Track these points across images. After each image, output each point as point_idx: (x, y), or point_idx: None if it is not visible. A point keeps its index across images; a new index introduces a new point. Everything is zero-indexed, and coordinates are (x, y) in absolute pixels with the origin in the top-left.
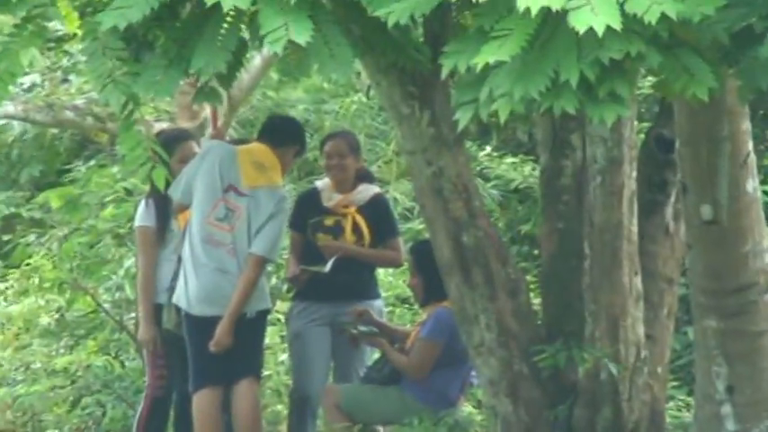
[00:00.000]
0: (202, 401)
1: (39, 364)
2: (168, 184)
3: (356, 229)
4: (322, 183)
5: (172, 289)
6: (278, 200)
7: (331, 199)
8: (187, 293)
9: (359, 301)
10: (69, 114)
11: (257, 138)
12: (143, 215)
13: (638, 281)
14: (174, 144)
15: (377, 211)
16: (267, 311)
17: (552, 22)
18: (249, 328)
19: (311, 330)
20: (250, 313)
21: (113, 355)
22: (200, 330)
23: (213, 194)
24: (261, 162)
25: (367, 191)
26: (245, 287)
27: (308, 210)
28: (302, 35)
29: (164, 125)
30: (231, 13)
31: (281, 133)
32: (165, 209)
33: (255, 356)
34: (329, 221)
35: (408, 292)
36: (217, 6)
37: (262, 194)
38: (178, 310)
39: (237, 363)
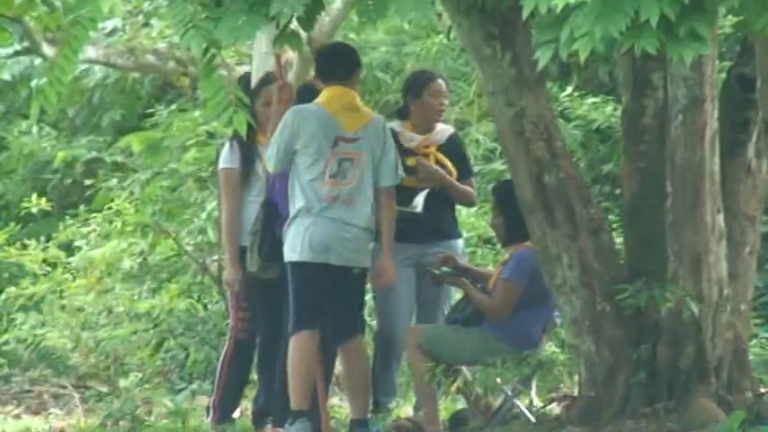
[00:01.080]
0: (301, 344)
1: (121, 308)
2: (251, 127)
3: (441, 167)
4: (399, 124)
5: (256, 232)
6: (383, 127)
7: (412, 140)
8: (303, 243)
9: (444, 241)
10: (150, 58)
11: (321, 79)
12: (227, 157)
13: (720, 219)
14: (257, 88)
15: (456, 149)
16: (368, 269)
17: None
18: (356, 283)
19: (398, 272)
20: (356, 269)
21: (196, 298)
22: (309, 277)
23: (322, 155)
24: (350, 104)
25: (444, 131)
26: (391, 219)
27: None
28: None
29: (246, 68)
30: None
31: (344, 64)
32: (249, 151)
33: (361, 313)
34: (411, 162)
35: (490, 233)
36: None
37: (369, 131)
38: (260, 253)
39: (347, 319)
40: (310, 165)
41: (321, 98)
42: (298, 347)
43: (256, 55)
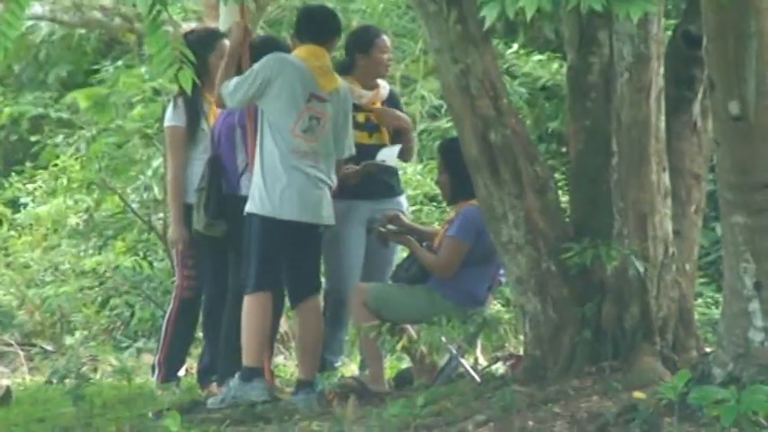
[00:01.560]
0: (258, 303)
1: (67, 265)
2: (195, 84)
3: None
4: (345, 81)
5: (202, 189)
6: (347, 95)
7: (362, 96)
8: (274, 198)
9: (392, 197)
10: (97, 15)
11: (299, 38)
12: (172, 115)
13: (665, 177)
14: (212, 41)
15: (396, 104)
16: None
17: None
18: (317, 242)
19: (350, 231)
20: (321, 227)
21: (142, 255)
22: (278, 234)
23: (295, 106)
24: (326, 65)
25: (385, 86)
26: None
27: None
28: None
29: (191, 25)
30: None
31: (327, 27)
32: (194, 108)
33: (318, 273)
34: (361, 118)
35: (436, 191)
36: None
37: (340, 96)
38: (207, 210)
39: (307, 278)
40: (283, 114)
41: (300, 53)
42: (255, 308)
43: (224, 9)
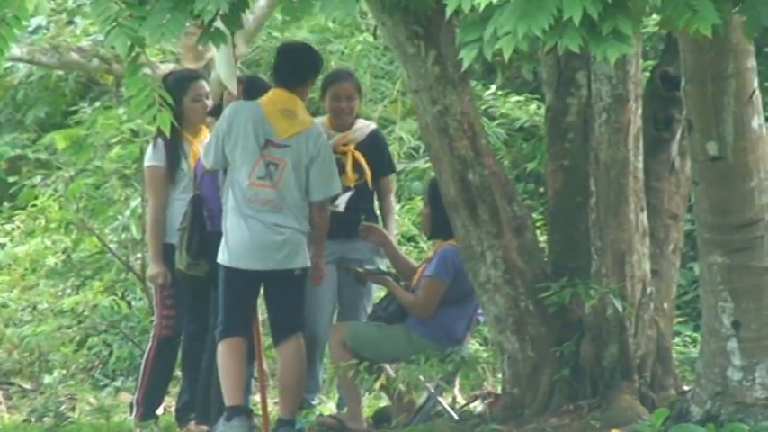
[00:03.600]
0: (230, 349)
1: (45, 305)
2: (173, 126)
3: (357, 166)
4: (318, 121)
5: (184, 229)
6: (315, 138)
7: (330, 137)
8: (230, 249)
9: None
10: (75, 56)
11: (273, 81)
12: (152, 155)
13: (643, 217)
14: (186, 83)
15: (376, 146)
16: (308, 269)
17: None
18: (296, 284)
19: None
20: (297, 270)
21: (120, 295)
22: (237, 282)
23: (252, 154)
24: (289, 109)
25: (365, 128)
26: (321, 236)
27: None
28: None
29: (170, 67)
30: None
31: (297, 72)
32: (174, 148)
33: (301, 312)
34: None
35: (413, 231)
36: None
37: (301, 140)
38: (189, 250)
39: (284, 319)
40: (239, 163)
41: (264, 98)
42: (227, 352)
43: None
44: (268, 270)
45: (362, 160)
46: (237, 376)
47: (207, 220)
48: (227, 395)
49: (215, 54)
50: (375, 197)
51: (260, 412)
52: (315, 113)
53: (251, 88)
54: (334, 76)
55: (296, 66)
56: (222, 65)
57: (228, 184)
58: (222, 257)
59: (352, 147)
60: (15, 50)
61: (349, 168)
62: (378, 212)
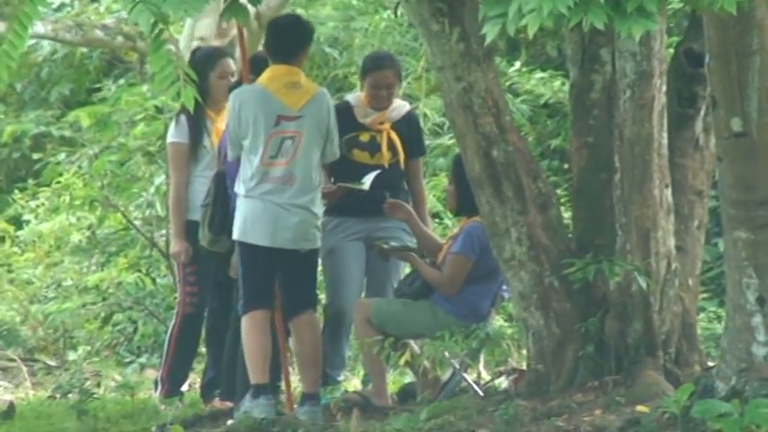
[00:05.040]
0: (253, 323)
1: (70, 282)
2: (197, 101)
3: (391, 145)
4: (354, 98)
5: (207, 205)
6: (327, 103)
7: (367, 115)
8: (247, 224)
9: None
10: (99, 33)
11: (269, 57)
12: (175, 132)
13: (668, 193)
14: (212, 60)
15: (410, 127)
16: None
17: None
18: (306, 261)
19: (346, 245)
20: (303, 249)
21: (144, 272)
22: (255, 256)
23: (262, 134)
24: (292, 81)
25: (401, 108)
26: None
27: (342, 125)
28: None
29: (194, 44)
30: None
31: (291, 45)
32: (197, 125)
33: (313, 289)
34: (365, 137)
35: (439, 207)
36: None
37: (313, 108)
38: (211, 226)
39: (296, 295)
40: (250, 146)
41: (263, 77)
42: (250, 326)
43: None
44: (278, 248)
45: (397, 140)
46: (262, 352)
47: (230, 197)
48: (252, 372)
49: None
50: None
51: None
52: (340, 89)
53: (261, 67)
54: (374, 62)
55: (288, 39)
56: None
57: (242, 164)
58: (236, 233)
59: (387, 126)
60: (39, 28)
61: (384, 147)
62: (407, 195)
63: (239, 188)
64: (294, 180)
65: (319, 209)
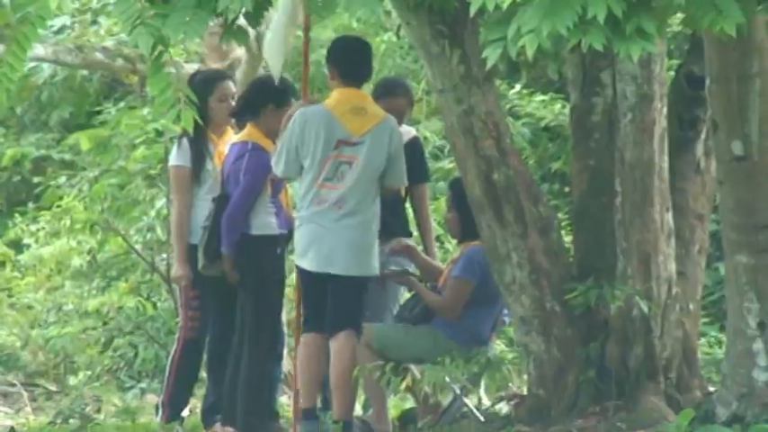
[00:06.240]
0: (303, 346)
1: (70, 306)
2: (198, 125)
3: None
4: None
5: (206, 228)
6: (391, 132)
7: None
8: (302, 249)
9: (392, 239)
10: (99, 56)
11: (343, 79)
12: (177, 155)
13: (669, 217)
14: (212, 83)
15: (414, 153)
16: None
17: None
18: (351, 284)
19: None
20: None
21: (145, 296)
22: (308, 280)
23: (322, 158)
24: (359, 106)
25: (406, 134)
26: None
27: None
28: None
29: (194, 66)
30: None
31: (363, 68)
32: (199, 148)
33: (356, 311)
34: None
35: (440, 231)
36: None
37: (376, 135)
38: (206, 250)
39: (337, 315)
40: (308, 168)
41: (331, 99)
42: (301, 350)
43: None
44: (329, 273)
45: None
46: (308, 377)
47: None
48: (301, 396)
49: (267, 38)
50: (405, 202)
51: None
52: None
53: (261, 95)
54: (387, 88)
55: (361, 61)
56: (272, 51)
57: (300, 188)
58: (296, 258)
59: None
60: (40, 50)
61: None
62: (404, 214)
63: (298, 209)
64: (346, 204)
65: (372, 235)
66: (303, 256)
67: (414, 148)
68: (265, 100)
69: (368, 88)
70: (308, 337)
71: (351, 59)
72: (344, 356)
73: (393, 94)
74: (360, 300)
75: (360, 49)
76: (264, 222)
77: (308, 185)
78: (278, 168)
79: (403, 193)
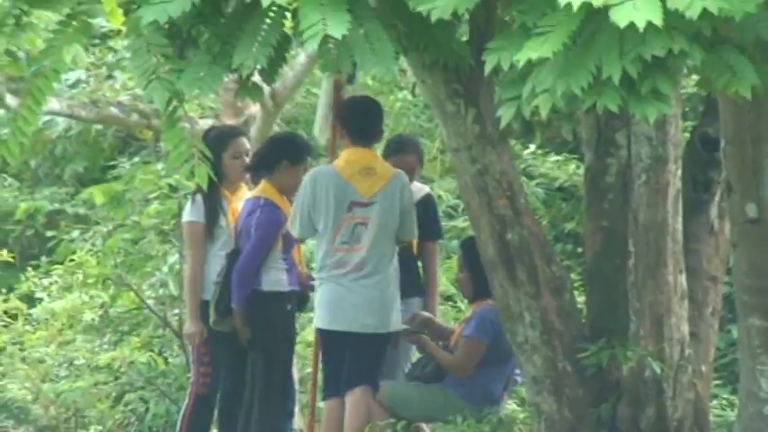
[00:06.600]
0: (325, 412)
1: (82, 360)
2: (212, 181)
3: None
4: None
5: (218, 283)
6: (401, 189)
7: None
8: (320, 310)
9: (405, 298)
10: (114, 111)
11: (352, 139)
12: (191, 211)
13: (682, 279)
14: (226, 140)
15: (426, 210)
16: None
17: (594, 18)
18: (369, 341)
19: None
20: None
21: (157, 351)
22: (327, 341)
23: (335, 220)
24: (368, 167)
25: (419, 191)
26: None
27: None
28: (338, 29)
29: (209, 122)
30: (273, 8)
31: (373, 128)
32: (213, 204)
33: (371, 367)
34: None
35: (452, 290)
36: (258, 2)
37: (387, 194)
38: (217, 306)
39: (353, 370)
40: (323, 231)
41: (340, 161)
42: (327, 415)
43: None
44: (344, 331)
45: None
46: None
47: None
48: None
49: (320, 98)
50: (418, 260)
51: None
52: None
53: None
54: (397, 146)
55: (371, 122)
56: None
57: (316, 249)
58: (315, 321)
59: None
60: (54, 104)
61: None
62: (416, 273)
63: (316, 270)
64: (366, 266)
65: (392, 293)
66: (323, 317)
67: (426, 206)
68: (280, 156)
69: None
70: (331, 404)
71: (360, 120)
72: (359, 412)
73: (403, 152)
74: (379, 357)
75: (369, 110)
76: (275, 279)
77: (325, 249)
78: (294, 230)
79: (415, 250)
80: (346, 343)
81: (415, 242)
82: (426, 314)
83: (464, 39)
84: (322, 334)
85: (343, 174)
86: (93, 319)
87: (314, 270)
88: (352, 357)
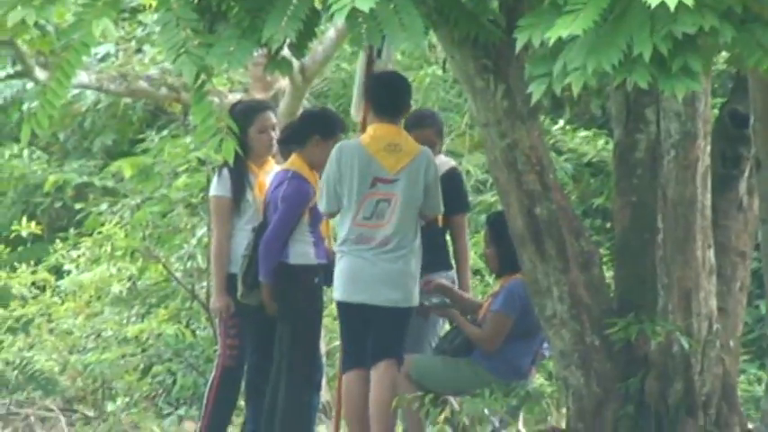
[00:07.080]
0: (345, 384)
1: (110, 332)
2: (238, 155)
3: None
4: None
5: (245, 257)
6: (426, 166)
7: None
8: (339, 282)
9: (432, 273)
10: (143, 84)
11: (376, 114)
12: (217, 185)
13: (710, 254)
14: (252, 114)
15: (451, 184)
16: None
17: None
18: (391, 315)
19: None
20: (390, 305)
21: (184, 323)
22: (348, 314)
23: (358, 195)
24: (393, 143)
25: (444, 165)
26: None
27: None
28: (366, 2)
29: (238, 96)
30: None
31: (400, 103)
32: (240, 179)
33: (397, 341)
34: None
35: (480, 264)
36: None
37: (411, 171)
38: (245, 279)
39: (378, 343)
40: (347, 205)
41: (366, 136)
42: (344, 388)
43: None
44: (365, 304)
45: None
46: (353, 414)
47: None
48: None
49: (358, 71)
50: (446, 234)
51: None
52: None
53: (304, 130)
54: (416, 120)
55: (399, 97)
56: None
57: (339, 223)
58: (334, 293)
59: None
60: (83, 77)
61: None
62: (445, 246)
63: (337, 243)
64: (391, 241)
65: (413, 267)
66: (343, 289)
67: (452, 179)
68: (311, 130)
69: None
70: (350, 375)
71: (385, 95)
72: (384, 385)
73: (421, 126)
74: (402, 331)
75: (395, 85)
76: (302, 251)
77: (348, 224)
78: (321, 204)
79: (441, 224)
80: (366, 316)
81: (440, 216)
82: (443, 281)
83: (494, 15)
84: (340, 306)
85: (368, 149)
86: (120, 292)
87: (335, 244)
88: (375, 331)
